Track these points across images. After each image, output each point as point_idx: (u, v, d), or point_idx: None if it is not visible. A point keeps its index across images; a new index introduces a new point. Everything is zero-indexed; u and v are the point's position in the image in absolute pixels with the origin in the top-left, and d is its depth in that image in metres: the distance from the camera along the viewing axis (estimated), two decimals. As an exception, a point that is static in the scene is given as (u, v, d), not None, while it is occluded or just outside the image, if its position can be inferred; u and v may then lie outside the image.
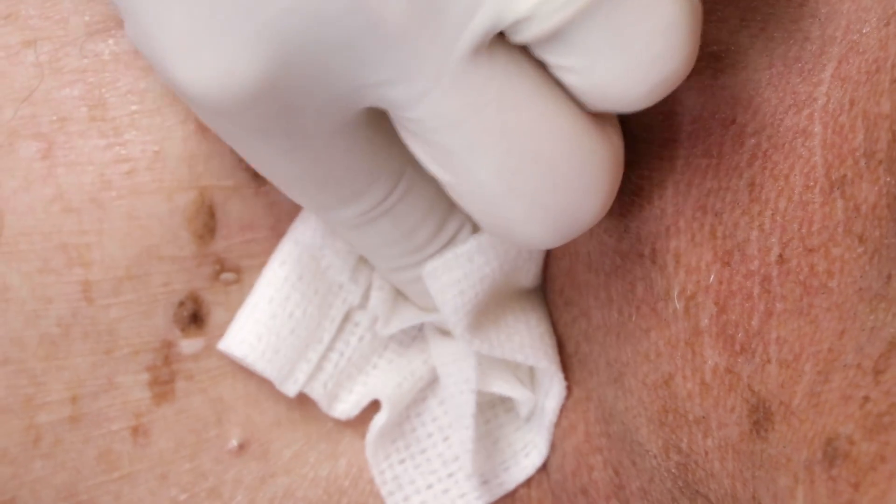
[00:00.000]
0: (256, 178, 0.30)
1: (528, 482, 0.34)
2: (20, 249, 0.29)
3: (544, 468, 0.34)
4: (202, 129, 0.30)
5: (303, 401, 0.32)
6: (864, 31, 0.27)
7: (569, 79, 0.24)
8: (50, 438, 0.30)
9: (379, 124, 0.26)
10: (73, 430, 0.30)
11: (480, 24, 0.22)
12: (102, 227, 0.29)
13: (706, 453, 0.29)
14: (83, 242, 0.29)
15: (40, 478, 0.31)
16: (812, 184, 0.27)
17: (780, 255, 0.27)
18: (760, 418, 0.27)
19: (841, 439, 0.25)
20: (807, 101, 0.27)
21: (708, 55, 0.29)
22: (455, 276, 0.29)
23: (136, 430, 0.31)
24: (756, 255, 0.28)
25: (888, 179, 0.25)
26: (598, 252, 0.31)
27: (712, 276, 0.28)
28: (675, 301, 0.29)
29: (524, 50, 0.24)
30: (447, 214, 0.29)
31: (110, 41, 0.29)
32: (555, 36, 0.23)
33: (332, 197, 0.27)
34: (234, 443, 0.32)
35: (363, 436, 0.32)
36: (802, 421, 0.26)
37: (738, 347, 0.28)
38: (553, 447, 0.33)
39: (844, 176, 0.26)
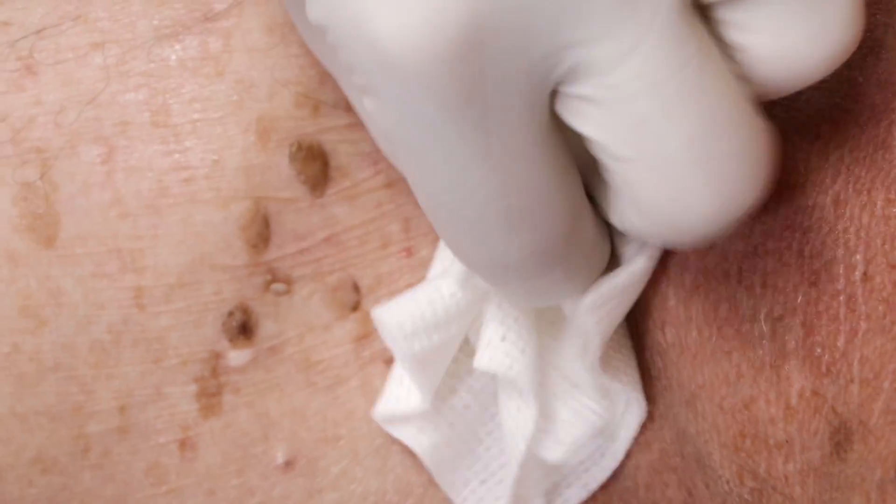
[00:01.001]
0: (313, 190, 0.31)
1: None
2: (75, 253, 0.30)
3: (616, 479, 0.34)
4: (262, 140, 0.30)
5: (350, 417, 0.32)
6: None
7: (750, 42, 0.24)
8: (99, 449, 0.31)
9: (561, 139, 0.25)
10: (122, 441, 0.31)
11: None
12: (157, 233, 0.30)
13: (786, 478, 0.29)
14: (137, 248, 0.30)
15: (90, 489, 0.31)
16: (893, 197, 0.27)
17: (865, 273, 0.28)
18: (842, 440, 0.27)
19: None
20: (885, 111, 0.28)
21: None
22: (608, 307, 0.29)
23: (183, 444, 0.31)
24: (841, 273, 0.28)
25: None
26: (679, 268, 0.31)
27: (800, 297, 0.29)
28: (762, 323, 0.29)
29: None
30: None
31: (177, 46, 0.30)
32: None
33: (516, 228, 0.25)
34: (280, 459, 0.32)
35: (412, 452, 0.32)
36: (878, 439, 0.26)
37: (824, 369, 0.28)
38: (627, 456, 0.33)
39: None
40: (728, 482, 0.31)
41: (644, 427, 0.33)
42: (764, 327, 0.29)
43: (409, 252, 0.32)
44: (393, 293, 0.32)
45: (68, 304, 0.30)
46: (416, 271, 0.32)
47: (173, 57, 0.30)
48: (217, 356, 0.31)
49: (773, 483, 0.29)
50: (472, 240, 0.26)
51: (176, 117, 0.30)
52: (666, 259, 0.31)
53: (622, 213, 0.26)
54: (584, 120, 0.23)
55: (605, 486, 0.34)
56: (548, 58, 0.22)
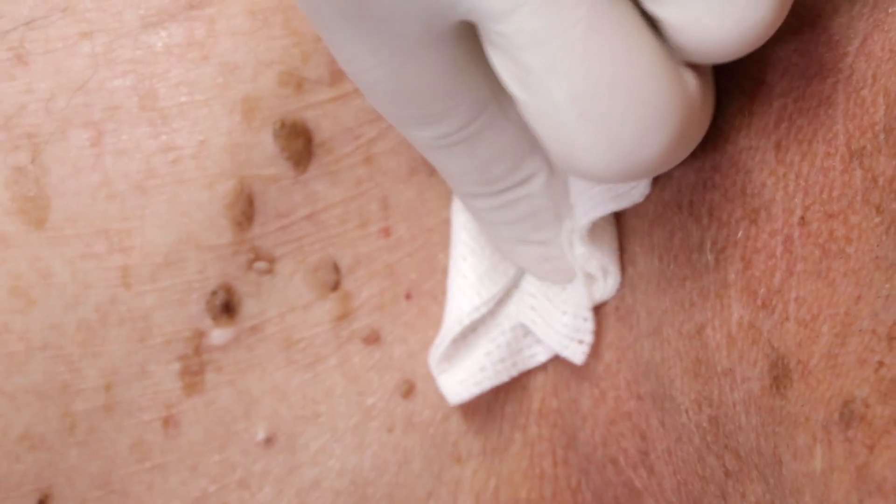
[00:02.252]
0: (296, 167, 0.31)
1: (554, 460, 0.35)
2: (65, 235, 0.30)
3: (573, 447, 0.35)
4: (247, 120, 0.31)
5: (329, 395, 0.33)
6: (890, 10, 0.28)
7: (664, 13, 0.25)
8: (85, 426, 0.31)
9: (469, 51, 0.27)
10: (107, 418, 0.31)
11: None
12: (144, 213, 0.30)
13: (734, 405, 0.30)
14: (125, 228, 0.30)
15: (75, 466, 0.32)
16: (833, 151, 0.28)
17: (802, 218, 0.28)
18: (779, 374, 0.28)
19: (857, 402, 0.26)
20: (832, 70, 0.29)
21: None
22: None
23: (167, 421, 0.32)
24: (780, 215, 0.29)
25: None
26: (644, 200, 0.32)
27: (740, 232, 0.30)
28: (708, 253, 0.31)
29: None
30: (525, 155, 0.30)
31: (163, 33, 0.30)
32: None
33: (413, 114, 0.28)
34: (261, 435, 0.32)
35: (389, 429, 0.33)
36: (819, 381, 0.27)
37: (759, 302, 0.29)
38: (582, 417, 0.34)
39: (864, 147, 0.27)
40: (687, 411, 0.31)
41: (600, 377, 0.34)
42: (709, 257, 0.31)
43: (386, 232, 0.33)
44: (371, 275, 0.33)
45: (57, 285, 0.30)
46: (393, 252, 0.33)
47: (159, 44, 0.31)
48: (200, 335, 0.31)
49: (725, 410, 0.30)
50: (384, 109, 0.28)
51: (163, 101, 0.31)
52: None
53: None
54: (492, 55, 0.25)
55: (564, 460, 0.35)
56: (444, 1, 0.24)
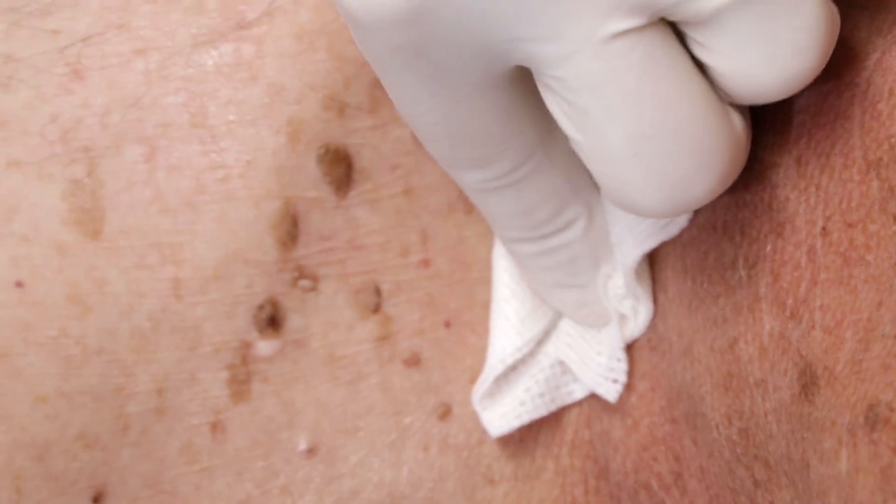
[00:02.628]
0: (337, 192, 0.32)
1: (585, 489, 0.36)
2: (119, 246, 0.31)
3: (605, 477, 0.35)
4: (292, 142, 0.31)
5: (369, 411, 0.34)
6: None
7: (712, 60, 0.26)
8: (138, 428, 0.32)
9: (523, 96, 0.28)
10: (158, 421, 0.32)
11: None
12: (195, 228, 0.31)
13: (765, 415, 0.30)
14: (176, 242, 0.31)
15: (128, 465, 0.32)
16: (850, 163, 0.29)
17: (824, 228, 0.29)
18: (808, 382, 0.29)
19: (881, 406, 0.26)
20: (849, 84, 0.29)
21: None
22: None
23: (214, 426, 0.32)
24: (803, 226, 0.30)
25: None
26: (675, 224, 0.33)
27: (769, 246, 0.30)
28: (741, 269, 0.31)
29: (671, 25, 0.26)
30: (567, 202, 0.31)
31: (214, 53, 0.31)
32: (711, 17, 0.25)
33: (463, 156, 0.29)
34: (303, 445, 0.33)
35: (425, 448, 0.34)
36: (845, 387, 0.28)
37: (788, 313, 0.30)
38: (614, 447, 0.35)
39: (880, 159, 0.28)
40: (717, 426, 0.32)
41: (631, 407, 0.34)
42: (742, 273, 0.31)
43: (426, 264, 0.34)
44: (411, 301, 0.34)
45: (112, 293, 0.31)
46: (433, 282, 0.34)
47: (210, 63, 0.31)
48: (247, 346, 0.32)
49: (756, 420, 0.31)
50: (436, 151, 0.29)
51: (213, 119, 0.31)
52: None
53: None
54: (548, 99, 0.26)
55: (596, 490, 0.36)
56: (503, 44, 0.25)
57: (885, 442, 0.26)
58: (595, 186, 0.31)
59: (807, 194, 0.30)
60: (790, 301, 0.30)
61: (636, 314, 0.33)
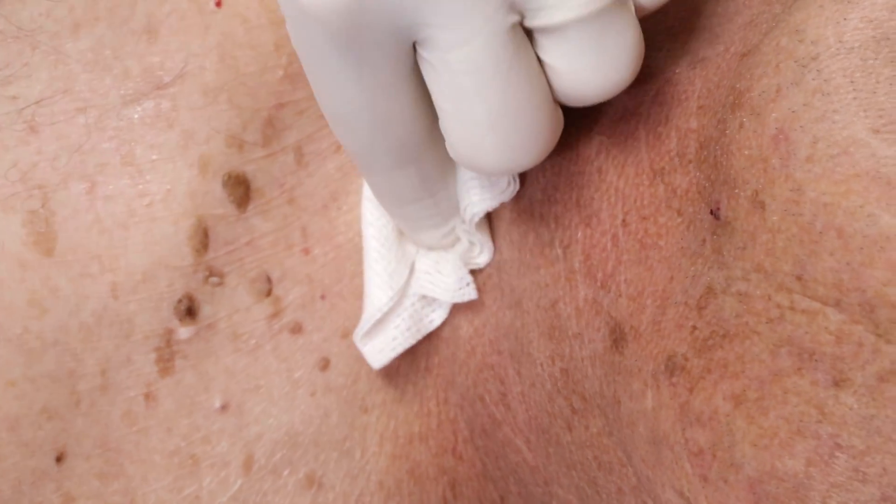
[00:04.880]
0: (239, 207, 0.34)
1: (437, 401, 0.38)
2: (68, 260, 0.33)
3: (452, 388, 0.37)
4: (203, 173, 0.34)
5: (266, 372, 0.36)
6: (676, 71, 0.31)
7: (552, 61, 0.28)
8: (87, 401, 0.34)
9: (422, 85, 0.29)
10: (103, 395, 0.34)
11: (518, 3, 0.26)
12: (127, 243, 0.33)
13: (582, 360, 0.32)
14: (113, 254, 0.33)
15: (82, 431, 0.34)
16: (641, 171, 0.31)
17: (623, 220, 0.31)
18: (618, 337, 0.30)
19: (678, 356, 0.28)
20: (633, 113, 0.32)
21: None
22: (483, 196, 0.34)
23: (147, 396, 0.35)
24: (607, 219, 0.31)
25: (697, 174, 0.29)
26: (503, 207, 0.35)
27: (579, 233, 0.32)
28: (557, 248, 0.33)
29: (528, 34, 0.27)
30: (449, 166, 0.33)
31: (139, 108, 0.33)
32: (562, 27, 0.27)
33: (380, 138, 0.30)
34: (217, 404, 0.35)
35: (312, 393, 0.36)
36: (648, 342, 0.29)
37: (599, 284, 0.31)
38: (459, 365, 0.37)
39: (663, 168, 0.30)
40: (542, 364, 0.34)
41: (471, 336, 0.36)
42: (558, 251, 0.33)
43: (306, 251, 0.36)
44: (295, 283, 0.36)
45: (63, 297, 0.33)
46: (311, 265, 0.36)
47: (136, 116, 0.33)
48: (170, 332, 0.34)
49: (575, 364, 0.32)
50: (350, 136, 0.30)
51: (139, 159, 0.34)
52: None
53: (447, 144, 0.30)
54: (426, 75, 0.28)
55: (445, 400, 0.38)
56: (410, 27, 0.27)
57: (682, 384, 0.27)
58: None
59: (608, 195, 0.31)
60: (600, 275, 0.31)
61: (481, 251, 0.36)
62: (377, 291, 0.35)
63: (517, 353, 0.35)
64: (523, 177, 0.35)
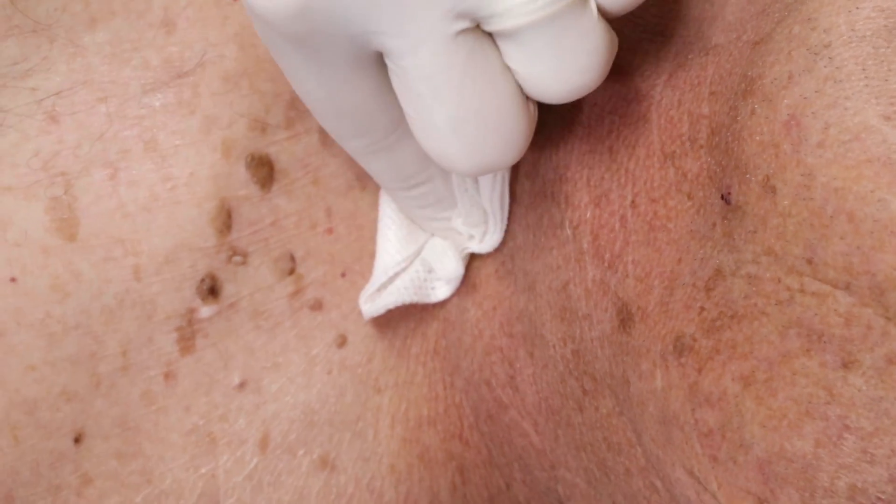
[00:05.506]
0: (262, 188, 0.35)
1: (444, 385, 0.38)
2: (90, 245, 0.34)
3: (458, 373, 0.38)
4: (226, 156, 0.34)
5: (284, 349, 0.37)
6: (689, 57, 0.32)
7: (513, 65, 0.28)
8: (107, 383, 0.35)
9: (387, 78, 0.29)
10: (124, 376, 0.35)
11: (464, 7, 0.26)
12: (150, 227, 0.34)
13: (591, 341, 0.32)
14: (136, 238, 0.34)
15: (101, 412, 0.35)
16: (651, 154, 0.31)
17: (633, 202, 0.31)
18: (625, 318, 0.30)
19: (686, 337, 0.28)
20: (646, 96, 0.32)
21: None
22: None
23: (167, 375, 0.35)
24: (616, 200, 0.32)
25: (708, 159, 0.29)
26: (520, 191, 0.36)
27: (588, 213, 0.32)
28: (567, 229, 0.33)
29: (489, 36, 0.28)
30: (428, 162, 0.33)
31: (159, 96, 0.34)
32: (512, 33, 0.27)
33: (345, 125, 0.30)
34: (236, 381, 0.36)
35: (328, 371, 0.37)
36: (656, 322, 0.29)
37: (606, 264, 0.31)
38: (465, 350, 0.37)
39: (674, 151, 0.30)
40: (554, 346, 0.34)
41: (479, 319, 0.37)
42: (568, 232, 0.33)
43: (330, 231, 0.37)
44: (318, 261, 0.37)
45: (85, 281, 0.34)
46: (334, 245, 0.37)
47: (157, 104, 0.34)
48: (192, 311, 0.35)
49: (585, 345, 0.32)
50: (322, 121, 0.31)
51: (162, 145, 0.34)
52: (512, 185, 0.36)
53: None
54: (394, 83, 0.29)
55: (451, 384, 0.38)
56: (362, 35, 0.27)
57: (691, 364, 0.27)
58: None
59: (618, 175, 0.31)
60: (608, 256, 0.31)
61: (482, 237, 0.36)
62: (386, 256, 0.36)
63: (531, 336, 0.35)
64: (537, 156, 0.36)
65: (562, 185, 0.34)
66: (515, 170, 0.37)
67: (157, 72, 0.34)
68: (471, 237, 0.36)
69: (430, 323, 0.38)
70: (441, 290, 0.37)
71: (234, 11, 0.35)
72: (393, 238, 0.36)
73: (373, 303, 0.36)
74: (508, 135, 0.28)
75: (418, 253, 0.37)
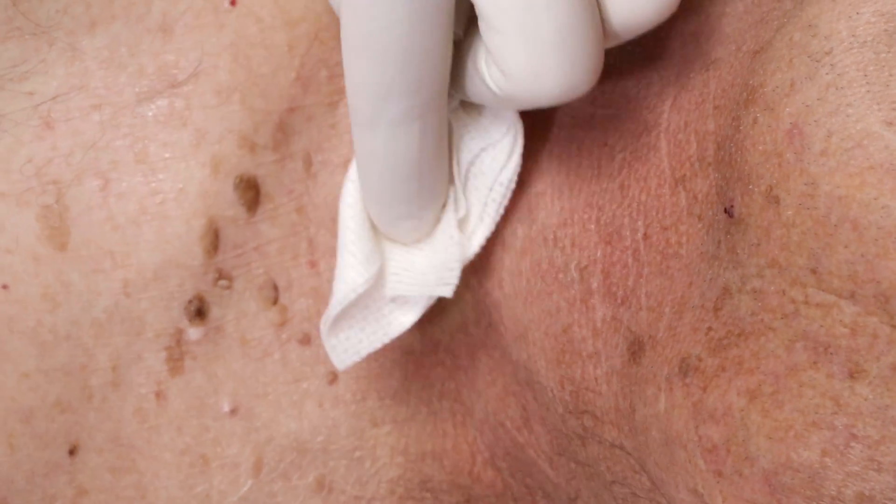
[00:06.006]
0: (248, 211, 0.35)
1: (454, 423, 0.39)
2: (81, 255, 0.34)
3: (470, 414, 0.38)
4: (214, 173, 0.34)
5: (274, 379, 0.36)
6: (690, 75, 0.32)
7: None
8: (99, 396, 0.35)
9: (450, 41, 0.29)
10: (115, 391, 0.35)
11: None
12: (139, 240, 0.34)
13: (595, 380, 0.33)
14: (125, 251, 0.34)
15: (94, 425, 0.35)
16: (662, 182, 0.32)
17: (645, 234, 0.32)
18: (636, 350, 0.31)
19: (692, 358, 0.29)
20: (654, 125, 0.33)
21: (589, 101, 0.34)
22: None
23: (158, 394, 0.35)
24: (628, 235, 0.32)
25: (715, 175, 0.30)
26: (512, 237, 0.36)
27: (599, 252, 0.33)
28: (573, 271, 0.34)
29: None
30: (445, 147, 0.33)
31: (153, 106, 0.34)
32: None
33: (409, 77, 0.29)
34: (226, 407, 0.36)
35: (320, 405, 0.37)
36: (664, 347, 0.30)
37: (619, 301, 0.32)
38: (477, 393, 0.38)
39: (685, 175, 0.31)
40: (552, 390, 0.35)
41: (491, 368, 0.37)
42: (574, 274, 0.34)
43: (312, 264, 0.37)
44: (301, 294, 0.36)
45: (76, 292, 0.34)
46: (317, 279, 0.37)
47: (150, 114, 0.34)
48: (180, 332, 0.35)
49: (586, 384, 0.33)
50: (374, 70, 0.29)
51: (153, 157, 0.34)
52: (501, 231, 0.36)
53: (492, 76, 0.29)
54: (482, 9, 0.28)
55: (462, 423, 0.38)
56: None
57: (696, 384, 0.28)
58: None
59: (630, 210, 0.32)
60: (620, 293, 0.32)
61: (471, 238, 0.34)
62: (350, 272, 0.34)
63: (530, 382, 0.36)
64: (534, 203, 0.35)
65: (566, 228, 0.34)
66: (508, 216, 0.36)
67: (151, 79, 0.34)
68: (453, 238, 0.34)
69: (434, 368, 0.38)
70: (409, 317, 0.35)
71: (230, 19, 0.34)
72: (357, 253, 0.34)
73: (338, 340, 0.34)
74: (599, 54, 0.28)
75: (380, 274, 0.35)
